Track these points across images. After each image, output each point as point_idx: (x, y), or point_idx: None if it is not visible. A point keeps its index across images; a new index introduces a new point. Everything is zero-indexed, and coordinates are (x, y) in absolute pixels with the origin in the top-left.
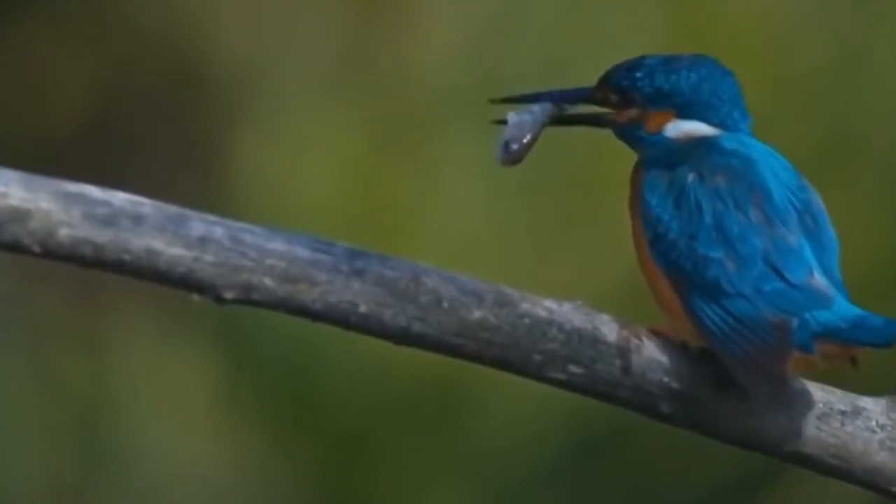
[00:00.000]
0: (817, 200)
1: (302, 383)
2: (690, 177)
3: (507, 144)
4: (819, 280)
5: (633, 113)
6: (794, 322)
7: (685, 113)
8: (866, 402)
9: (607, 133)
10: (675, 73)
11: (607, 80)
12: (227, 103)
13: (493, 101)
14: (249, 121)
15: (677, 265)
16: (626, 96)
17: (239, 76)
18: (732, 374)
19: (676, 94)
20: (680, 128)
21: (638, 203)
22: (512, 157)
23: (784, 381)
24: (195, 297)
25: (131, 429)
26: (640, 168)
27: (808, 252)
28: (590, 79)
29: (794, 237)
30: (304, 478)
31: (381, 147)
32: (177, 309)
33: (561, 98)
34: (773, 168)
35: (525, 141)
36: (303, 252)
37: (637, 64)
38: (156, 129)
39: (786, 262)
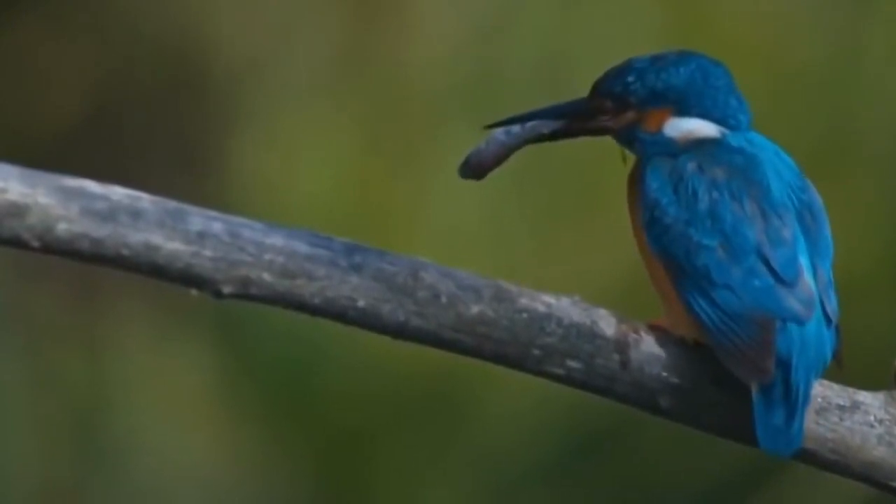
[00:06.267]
0: (819, 203)
1: (300, 379)
2: (690, 166)
3: (467, 159)
4: (807, 282)
5: (630, 116)
6: (778, 324)
7: (682, 108)
8: (864, 396)
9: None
10: (665, 71)
11: (599, 88)
12: (225, 103)
13: (486, 127)
14: (247, 120)
15: (670, 251)
16: (621, 101)
17: (236, 76)
18: (722, 361)
19: (670, 90)
20: (680, 126)
21: (638, 190)
22: (469, 171)
23: (770, 373)
24: (193, 291)
25: (129, 426)
26: (640, 163)
27: (801, 248)
28: (587, 78)
29: (788, 231)
30: (302, 474)
31: (378, 146)
32: (174, 306)
33: (555, 113)
34: (777, 167)
35: (483, 157)
36: (301, 247)
37: (626, 68)
38: (154, 129)
39: (778, 255)
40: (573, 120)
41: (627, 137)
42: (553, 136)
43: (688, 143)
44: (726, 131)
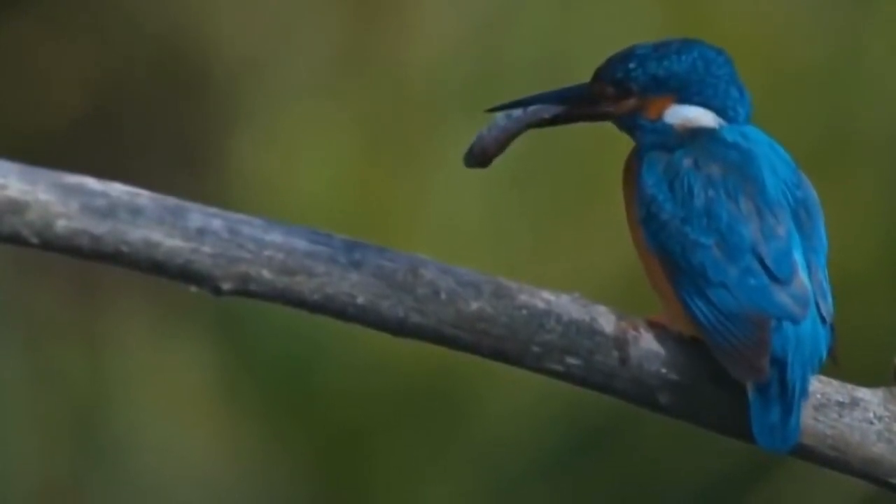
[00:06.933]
0: (814, 199)
1: (300, 376)
2: (686, 162)
3: (471, 147)
4: (802, 280)
5: (631, 103)
6: (773, 323)
7: (683, 96)
8: (864, 392)
9: (603, 124)
10: (668, 58)
11: (602, 74)
12: (225, 102)
13: (488, 111)
14: (247, 120)
15: (666, 248)
16: (623, 87)
17: (236, 75)
18: (718, 360)
19: (672, 78)
20: (680, 114)
21: (634, 184)
22: (473, 159)
23: (765, 372)
24: (193, 288)
25: (129, 423)
26: (638, 152)
27: (796, 246)
28: (586, 77)
29: (783, 229)
30: (302, 471)
31: (378, 144)
32: (174, 303)
33: (557, 98)
34: (772, 163)
35: (485, 144)
36: (300, 244)
37: (629, 54)
38: (153, 128)
39: (773, 253)
40: (575, 105)
41: (628, 124)
42: (554, 120)
43: (685, 132)
44: (724, 123)
